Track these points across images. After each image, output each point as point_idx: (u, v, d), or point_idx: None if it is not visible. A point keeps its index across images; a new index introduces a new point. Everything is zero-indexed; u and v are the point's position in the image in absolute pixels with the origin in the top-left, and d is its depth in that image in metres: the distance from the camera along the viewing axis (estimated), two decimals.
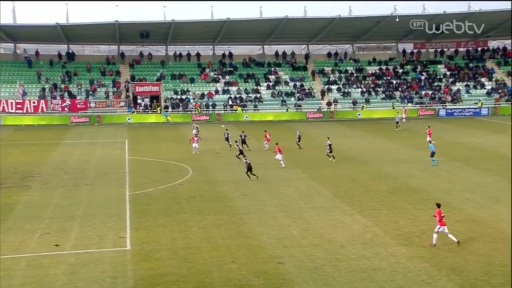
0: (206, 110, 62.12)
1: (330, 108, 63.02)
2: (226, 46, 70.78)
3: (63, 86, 61.63)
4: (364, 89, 66.87)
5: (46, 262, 18.60)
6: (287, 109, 63.00)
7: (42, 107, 57.26)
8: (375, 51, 71.55)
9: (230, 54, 69.35)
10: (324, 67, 69.63)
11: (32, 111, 57.01)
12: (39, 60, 64.84)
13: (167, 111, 60.21)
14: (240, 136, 39.50)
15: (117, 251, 19.76)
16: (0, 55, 67.74)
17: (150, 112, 60.92)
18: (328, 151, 35.10)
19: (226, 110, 62.44)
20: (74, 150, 41.23)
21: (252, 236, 21.37)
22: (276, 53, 70.65)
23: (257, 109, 63.30)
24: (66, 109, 57.85)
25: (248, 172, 30.23)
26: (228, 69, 68.02)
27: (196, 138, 39.23)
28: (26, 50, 66.41)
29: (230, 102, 63.37)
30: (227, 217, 23.67)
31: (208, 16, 64.81)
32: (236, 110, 62.22)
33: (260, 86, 66.31)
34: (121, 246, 20.23)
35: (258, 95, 64.77)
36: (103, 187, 29.38)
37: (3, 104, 56.45)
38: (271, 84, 66.61)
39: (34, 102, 57.33)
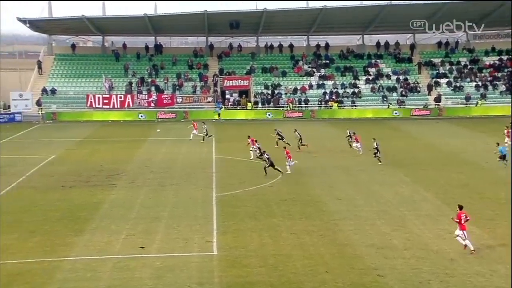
0: (299, 106, 62.06)
1: (438, 104, 60.62)
2: (321, 37, 70.34)
3: (149, 80, 64.30)
4: (480, 83, 63.60)
5: (132, 265, 19.39)
6: (388, 105, 61.40)
7: (128, 102, 60.06)
8: (494, 39, 67.75)
9: (326, 45, 68.79)
10: (432, 59, 67.12)
11: (119, 107, 59.97)
12: (127, 53, 68.10)
13: (220, 107, 60.05)
14: (278, 132, 40.73)
15: (203, 256, 20.15)
16: (89, 48, 72.15)
17: (238, 108, 61.93)
18: (375, 152, 34.54)
19: (321, 106, 62.02)
20: (161, 148, 42.81)
21: (348, 244, 21.03)
22: (378, 43, 69.13)
23: (355, 106, 62.28)
24: (152, 104, 60.30)
25: (270, 167, 31.45)
26: (324, 61, 67.53)
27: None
28: (114, 43, 70.11)
29: (326, 98, 62.88)
30: (320, 223, 23.49)
31: (303, 4, 64.75)
32: (332, 106, 61.60)
33: (359, 80, 65.19)
34: (207, 251, 20.61)
35: (356, 90, 63.71)
36: (189, 188, 30.18)
37: (91, 99, 59.86)
38: (371, 77, 65.27)
39: (120, 97, 60.26)
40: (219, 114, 59.40)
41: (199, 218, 24.64)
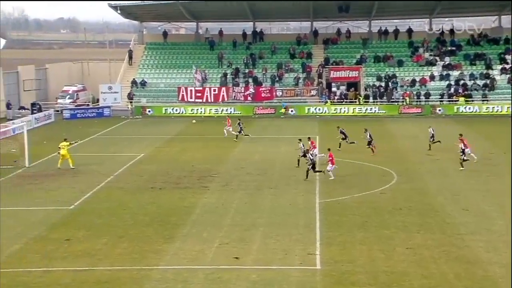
0: (418, 101, 60.45)
1: None
2: (446, 19, 68.07)
3: (246, 71, 65.30)
4: None
5: (226, 277, 19.78)
6: None
7: (223, 95, 61.30)
8: None
9: (452, 30, 66.37)
10: None
11: (212, 101, 61.39)
12: (222, 40, 69.59)
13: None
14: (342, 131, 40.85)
15: (304, 270, 20.17)
16: (181, 36, 74.61)
17: (345, 102, 61.36)
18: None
19: (443, 101, 60.07)
20: (257, 147, 43.34)
21: (477, 263, 20.25)
22: None
23: (487, 100, 59.65)
24: (249, 98, 61.21)
25: (311, 170, 31.98)
26: (449, 48, 65.33)
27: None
28: (209, 29, 71.91)
29: (451, 91, 60.76)
30: (442, 237, 22.82)
31: None
32: (458, 100, 59.45)
33: (493, 69, 62.39)
34: (309, 265, 20.62)
35: (488, 82, 60.96)
36: (289, 192, 30.37)
37: (183, 92, 61.73)
38: (508, 66, 62.17)
39: (214, 90, 61.66)
40: (285, 108, 59.42)
41: (300, 226, 24.70)
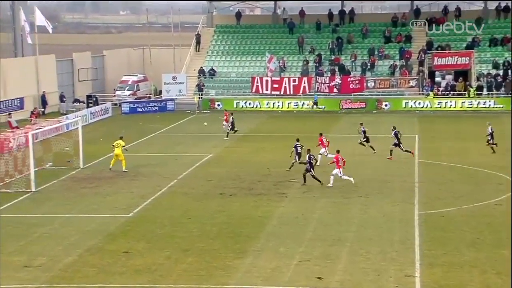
0: None
1: None
2: None
3: (332, 57, 64.96)
4: None
5: None
6: None
7: (304, 86, 61.25)
8: None
9: None
10: None
11: (291, 93, 61.42)
12: (304, 22, 69.50)
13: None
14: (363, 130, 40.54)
15: None
16: (257, 18, 75.01)
17: (452, 95, 60.00)
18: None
19: None
20: (345, 148, 42.85)
21: None
22: None
23: None
24: (335, 90, 60.90)
25: (306, 174, 32.42)
26: None
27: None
28: (287, 9, 71.97)
29: None
30: None
31: None
32: None
33: None
34: None
35: None
36: (382, 202, 30.06)
37: (257, 82, 62.09)
38: None
39: (294, 81, 61.69)
40: (316, 103, 58.79)
41: (396, 243, 24.39)
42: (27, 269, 22.35)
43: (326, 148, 37.35)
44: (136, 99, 64.41)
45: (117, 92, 65.53)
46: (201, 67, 66.39)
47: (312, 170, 32.73)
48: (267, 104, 61.15)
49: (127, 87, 65.90)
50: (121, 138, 37.30)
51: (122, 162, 36.33)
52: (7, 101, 54.97)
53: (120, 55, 74.42)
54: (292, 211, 28.84)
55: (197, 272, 21.94)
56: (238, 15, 72.06)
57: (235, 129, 46.97)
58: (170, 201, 31.04)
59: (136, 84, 66.53)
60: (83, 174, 36.53)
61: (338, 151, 33.64)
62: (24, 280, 21.37)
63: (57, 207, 30.12)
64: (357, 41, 66.65)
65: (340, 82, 61.01)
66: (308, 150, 33.72)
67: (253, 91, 62.30)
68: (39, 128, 38.84)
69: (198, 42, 69.65)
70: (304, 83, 61.35)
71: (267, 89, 61.79)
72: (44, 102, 58.60)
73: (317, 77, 62.08)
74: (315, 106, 59.56)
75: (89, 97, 62.20)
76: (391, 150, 38.83)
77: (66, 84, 64.57)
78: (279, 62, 64.23)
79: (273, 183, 33.84)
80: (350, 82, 61.06)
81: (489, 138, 39.74)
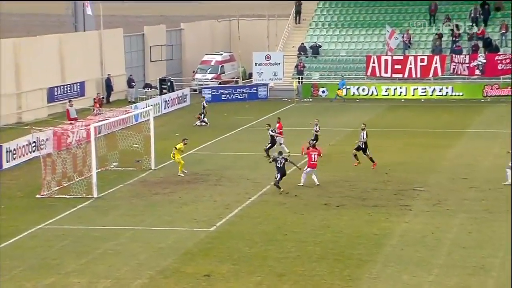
0: None
1: None
2: None
3: (473, 30, 63.59)
4: None
5: None
6: None
7: (435, 68, 60.35)
8: None
9: None
10: None
11: (419, 76, 60.64)
12: None
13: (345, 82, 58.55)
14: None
15: None
16: None
17: None
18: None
19: None
20: (488, 147, 42.23)
21: None
22: None
23: None
24: (477, 71, 59.67)
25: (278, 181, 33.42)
26: None
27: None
28: None
29: None
30: None
31: None
32: None
33: None
34: None
35: None
36: None
37: (373, 63, 61.54)
38: None
39: (422, 60, 60.85)
40: (341, 90, 59.14)
41: None
42: None
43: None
44: (220, 83, 65.04)
45: (197, 75, 66.40)
46: (302, 43, 66.39)
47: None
48: (386, 91, 60.59)
49: (210, 69, 66.71)
50: (184, 140, 37.73)
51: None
52: (65, 86, 56.18)
53: (201, 29, 75.14)
54: (419, 229, 28.54)
55: None
56: None
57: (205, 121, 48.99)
58: (262, 212, 31.19)
59: (220, 65, 67.22)
60: (155, 177, 37.19)
61: (311, 145, 35.45)
62: None
63: (124, 218, 30.77)
64: (508, 8, 64.96)
65: (484, 61, 59.78)
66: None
67: (368, 73, 61.94)
68: (102, 120, 39.67)
69: (298, 12, 69.65)
70: (436, 63, 60.55)
71: (386, 72, 61.35)
72: (108, 87, 59.84)
73: (453, 55, 60.98)
74: (341, 96, 59.63)
75: (162, 81, 63.11)
76: (355, 155, 38.10)
77: (136, 66, 65.80)
78: (402, 37, 63.46)
79: (393, 191, 33.57)
80: (499, 61, 59.72)
81: None
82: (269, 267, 24.77)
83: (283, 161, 33.78)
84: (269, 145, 40.03)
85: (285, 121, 52.71)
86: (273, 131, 40.19)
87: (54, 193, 33.95)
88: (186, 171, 37.10)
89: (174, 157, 37.03)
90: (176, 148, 36.95)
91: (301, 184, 34.49)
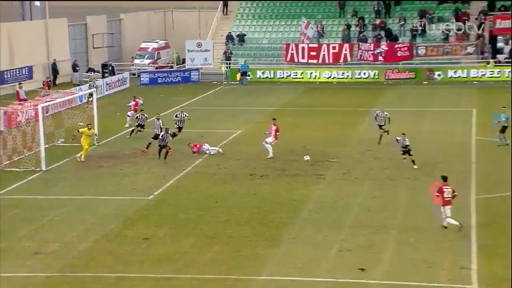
0: None
1: None
2: None
3: (377, 21, 64.38)
4: None
5: None
6: None
7: (345, 54, 60.81)
8: None
9: None
10: None
11: (331, 61, 61.08)
12: None
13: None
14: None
15: None
16: None
17: None
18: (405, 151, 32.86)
19: None
20: (391, 124, 42.77)
21: None
22: None
23: None
24: (380, 57, 60.43)
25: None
26: None
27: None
28: None
29: None
30: None
31: None
32: None
33: None
34: (463, 282, 20.32)
35: None
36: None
37: (292, 50, 61.69)
38: None
39: (334, 48, 61.25)
40: (245, 74, 58.96)
41: (450, 231, 24.30)
42: (37, 256, 22.74)
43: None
44: (156, 68, 64.65)
45: (136, 61, 65.88)
46: (229, 32, 66.30)
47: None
48: (301, 74, 60.93)
49: (147, 55, 66.20)
50: (89, 125, 35.51)
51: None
52: (14, 70, 55.40)
53: (139, 19, 74.63)
54: (331, 195, 28.89)
55: (225, 261, 22.11)
56: None
57: (139, 128, 39.77)
58: (195, 182, 31.23)
59: (156, 52, 66.78)
60: (98, 152, 36.81)
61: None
62: (35, 268, 21.75)
63: (71, 188, 30.50)
64: (406, 2, 65.83)
65: (385, 49, 60.42)
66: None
67: (287, 59, 62.05)
68: (49, 101, 39.15)
69: (225, 5, 69.54)
70: (345, 50, 60.89)
71: (303, 58, 61.49)
72: (54, 71, 59.06)
73: (360, 43, 61.58)
74: (245, 78, 59.51)
75: (104, 66, 62.43)
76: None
77: (79, 52, 65.06)
78: (316, 27, 63.78)
79: (310, 163, 33.81)
80: (398, 49, 60.45)
81: None
82: (201, 231, 24.87)
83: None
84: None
85: (215, 101, 53.01)
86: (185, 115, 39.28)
87: (5, 167, 33.43)
88: (83, 160, 34.77)
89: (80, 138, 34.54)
90: (78, 131, 34.89)
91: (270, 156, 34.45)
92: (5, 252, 23.07)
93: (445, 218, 24.34)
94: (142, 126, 39.30)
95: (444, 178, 25.25)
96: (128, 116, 42.59)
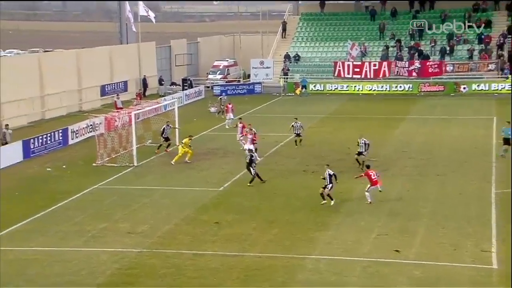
0: None
1: None
2: None
3: (412, 43, 63.50)
4: None
5: (385, 271, 19.62)
6: None
7: (384, 70, 60.07)
8: None
9: None
10: None
11: (372, 76, 60.45)
12: (385, 9, 68.16)
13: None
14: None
15: (477, 269, 19.64)
16: (340, 6, 73.97)
17: None
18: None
19: None
20: (421, 128, 42.28)
21: None
22: None
23: None
24: (414, 73, 59.57)
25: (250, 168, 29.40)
26: None
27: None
28: None
29: None
30: None
31: None
32: None
33: None
34: (484, 263, 20.05)
35: None
36: (459, 180, 29.52)
37: (339, 67, 61.35)
38: None
39: (374, 65, 60.63)
40: (304, 87, 58.48)
41: (472, 219, 23.97)
42: (130, 235, 23.10)
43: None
44: (226, 82, 64.90)
45: (210, 76, 66.15)
46: (287, 52, 66.12)
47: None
48: (347, 87, 60.46)
49: (219, 71, 66.43)
50: (190, 136, 34.77)
51: (188, 155, 33.92)
52: (113, 84, 56.53)
53: (213, 42, 75.17)
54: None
55: (281, 242, 22.11)
56: (322, 3, 71.21)
57: (165, 142, 36.35)
58: None
59: (226, 69, 67.00)
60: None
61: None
62: (128, 245, 22.09)
63: (157, 180, 30.87)
64: (437, 27, 64.74)
65: (419, 66, 59.53)
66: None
67: (335, 74, 61.65)
68: (140, 109, 39.75)
69: (284, 29, 69.39)
70: (384, 67, 60.15)
71: (348, 73, 60.98)
72: (145, 85, 59.86)
73: (397, 61, 60.79)
74: (303, 90, 58.77)
75: (184, 80, 62.99)
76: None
77: (165, 69, 65.68)
78: (360, 48, 63.25)
79: (353, 161, 33.49)
80: (429, 66, 59.52)
81: None
82: (263, 216, 24.92)
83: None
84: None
85: (274, 109, 53.06)
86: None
87: (106, 162, 34.04)
88: (189, 161, 33.79)
89: (182, 148, 33.83)
90: (183, 143, 34.19)
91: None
92: (106, 231, 23.55)
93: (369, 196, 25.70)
94: (167, 140, 36.11)
95: (368, 166, 27.14)
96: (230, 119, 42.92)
